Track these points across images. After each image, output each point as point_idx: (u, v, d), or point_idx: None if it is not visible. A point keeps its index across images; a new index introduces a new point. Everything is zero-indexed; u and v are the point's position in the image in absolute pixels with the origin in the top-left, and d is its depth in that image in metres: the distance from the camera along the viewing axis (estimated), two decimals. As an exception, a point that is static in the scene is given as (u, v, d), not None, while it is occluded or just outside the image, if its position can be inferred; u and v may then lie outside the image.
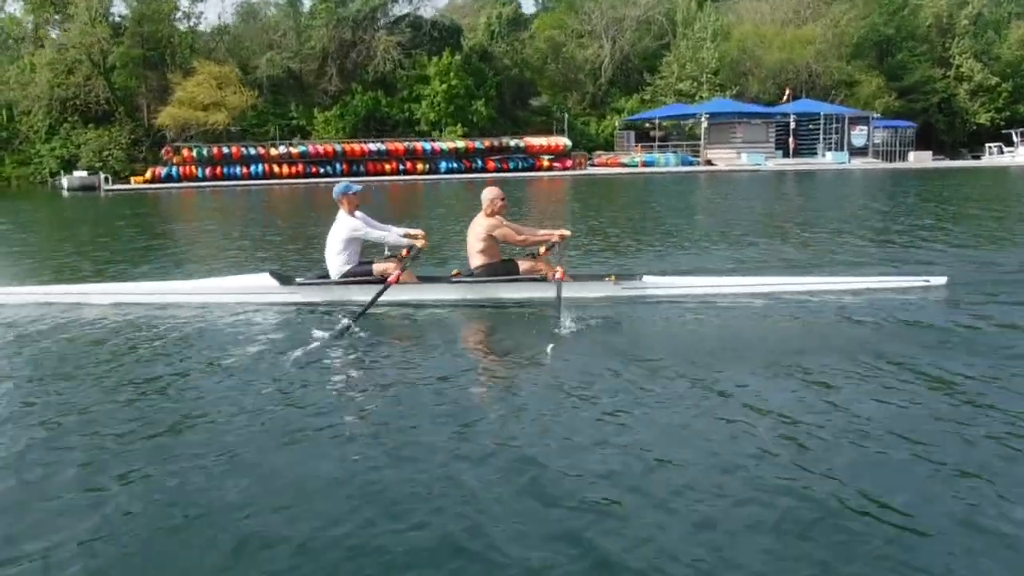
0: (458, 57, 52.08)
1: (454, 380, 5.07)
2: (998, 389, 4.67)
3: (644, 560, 2.92)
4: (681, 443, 3.97)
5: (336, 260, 7.33)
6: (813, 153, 49.90)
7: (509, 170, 43.29)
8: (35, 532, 3.19)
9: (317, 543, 3.04)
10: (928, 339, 5.86)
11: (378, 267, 7.31)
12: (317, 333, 6.16)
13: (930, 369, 5.08)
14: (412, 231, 7.55)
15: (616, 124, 56.36)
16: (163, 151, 40.31)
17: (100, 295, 7.58)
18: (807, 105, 50.16)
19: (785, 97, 49.91)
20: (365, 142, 43.56)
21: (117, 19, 53.01)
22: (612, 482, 3.52)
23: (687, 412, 4.39)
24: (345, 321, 6.32)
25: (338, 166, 41.25)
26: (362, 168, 41.60)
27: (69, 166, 52.36)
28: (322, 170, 40.99)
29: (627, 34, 59.72)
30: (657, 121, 52.59)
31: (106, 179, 39.02)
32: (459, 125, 50.90)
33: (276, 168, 40.74)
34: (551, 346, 5.69)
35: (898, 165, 49.14)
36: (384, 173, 41.72)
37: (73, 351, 5.95)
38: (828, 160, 48.96)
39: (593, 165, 48.52)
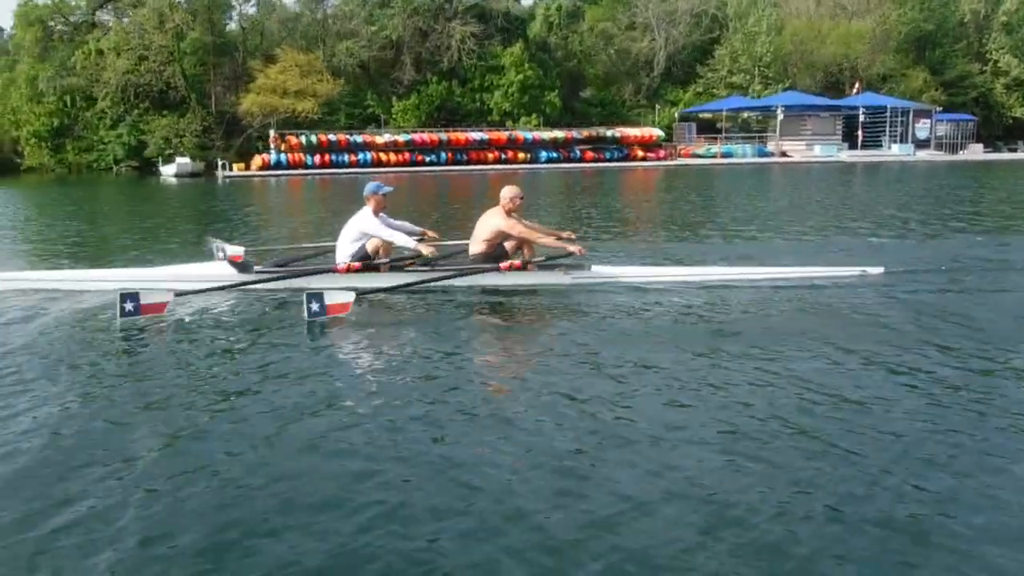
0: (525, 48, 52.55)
1: (437, 361, 5.23)
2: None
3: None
4: (629, 424, 4.11)
5: (347, 249, 7.56)
6: (879, 145, 51.32)
7: (605, 160, 43.87)
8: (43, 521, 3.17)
9: (316, 537, 3.04)
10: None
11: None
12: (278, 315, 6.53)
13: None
14: (430, 234, 7.97)
15: (675, 116, 57.22)
16: (271, 139, 40.00)
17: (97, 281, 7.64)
18: (873, 99, 51.54)
19: (855, 90, 51.24)
20: (467, 130, 43.76)
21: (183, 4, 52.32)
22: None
23: (632, 393, 4.58)
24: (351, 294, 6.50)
25: (442, 155, 41.42)
26: (464, 156, 41.83)
27: (135, 153, 51.77)
28: (427, 158, 41.13)
29: (681, 27, 60.58)
30: (723, 113, 53.56)
31: (223, 165, 38.61)
32: (533, 115, 51.38)
33: (383, 156, 40.70)
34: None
35: (957, 157, 50.87)
36: (486, 162, 42.01)
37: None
38: (895, 152, 50.43)
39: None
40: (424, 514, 3.17)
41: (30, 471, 3.62)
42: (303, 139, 40.19)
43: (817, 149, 49.27)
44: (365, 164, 40.18)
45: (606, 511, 3.20)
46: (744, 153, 48.56)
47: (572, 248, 7.50)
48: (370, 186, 7.65)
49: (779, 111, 49.41)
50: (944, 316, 6.47)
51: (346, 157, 40.20)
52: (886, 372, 4.97)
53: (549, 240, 7.66)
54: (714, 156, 47.88)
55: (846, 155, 49.04)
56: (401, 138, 41.44)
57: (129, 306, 6.11)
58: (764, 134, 54.28)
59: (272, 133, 40.41)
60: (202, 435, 4.02)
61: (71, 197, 27.08)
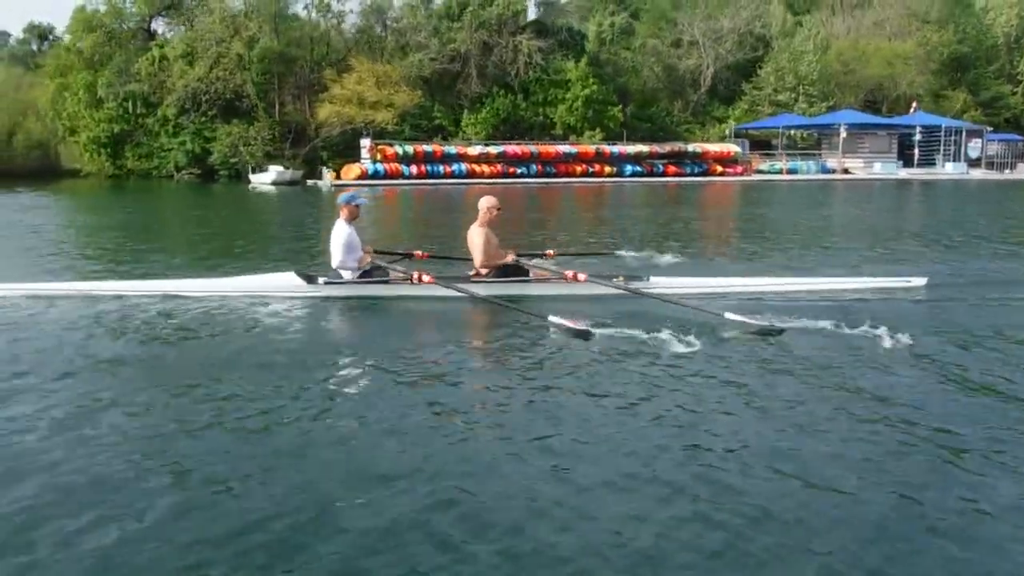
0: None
1: (461, 376, 5.46)
2: None
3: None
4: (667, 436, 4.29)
5: (338, 262, 7.96)
6: (932, 163, 52.70)
7: (685, 174, 44.58)
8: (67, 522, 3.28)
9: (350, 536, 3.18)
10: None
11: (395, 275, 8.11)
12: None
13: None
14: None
15: (727, 132, 58.20)
16: (367, 149, 40.12)
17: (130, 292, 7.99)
18: (928, 118, 52.97)
19: (912, 110, 52.63)
20: (556, 144, 44.24)
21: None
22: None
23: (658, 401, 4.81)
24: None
25: (533, 167, 41.83)
26: (552, 169, 42.29)
27: (198, 160, 51.45)
28: (519, 170, 41.52)
29: (727, 44, 61.69)
30: (780, 130, 54.65)
31: (334, 174, 38.66)
32: (596, 130, 52.01)
33: (476, 168, 41.02)
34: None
35: (1007, 176, 52.40)
36: (574, 175, 42.51)
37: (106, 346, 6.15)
38: (948, 170, 51.82)
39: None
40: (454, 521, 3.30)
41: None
42: (399, 149, 40.29)
43: (877, 167, 50.47)
44: (460, 175, 40.43)
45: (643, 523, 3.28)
46: (808, 169, 49.57)
47: (508, 258, 8.05)
48: (345, 196, 8.07)
49: (842, 129, 50.54)
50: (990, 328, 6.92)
51: (441, 168, 40.38)
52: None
53: (494, 261, 8.02)
54: (779, 172, 48.82)
55: (906, 173, 50.30)
56: (493, 150, 41.75)
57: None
58: (817, 151, 55.49)
59: (368, 143, 40.48)
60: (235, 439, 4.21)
61: (188, 204, 26.97)
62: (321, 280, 7.86)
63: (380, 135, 49.05)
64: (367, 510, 3.37)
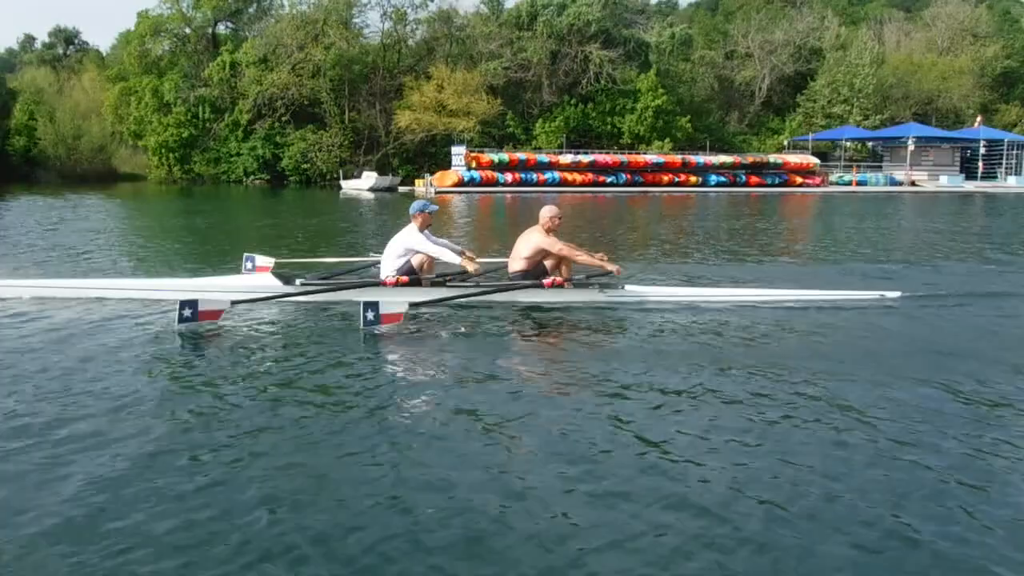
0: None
1: (480, 376, 5.30)
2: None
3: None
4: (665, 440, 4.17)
5: (392, 263, 7.73)
6: (994, 176, 53.37)
7: (766, 185, 44.95)
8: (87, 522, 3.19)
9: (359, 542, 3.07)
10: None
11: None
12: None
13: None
14: (468, 253, 8.05)
15: (784, 144, 58.70)
16: (463, 156, 40.30)
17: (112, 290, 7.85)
18: (991, 132, 53.66)
19: (976, 123, 53.30)
20: (644, 154, 44.57)
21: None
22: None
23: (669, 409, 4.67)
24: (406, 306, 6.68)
25: (622, 176, 42.11)
26: (640, 179, 42.58)
27: (268, 166, 51.46)
28: (608, 179, 41.80)
29: (782, 57, 62.28)
30: (844, 142, 55.19)
31: (435, 180, 38.81)
32: (665, 140, 52.41)
33: (568, 176, 41.27)
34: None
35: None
36: (661, 184, 42.78)
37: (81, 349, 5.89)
38: (1011, 183, 52.49)
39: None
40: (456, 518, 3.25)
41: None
42: (494, 157, 40.51)
43: (944, 179, 51.05)
44: (553, 183, 40.64)
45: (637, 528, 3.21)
46: (876, 181, 50.08)
47: (610, 267, 7.74)
48: (417, 204, 7.89)
49: (911, 142, 51.11)
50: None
51: (534, 176, 40.59)
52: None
53: (588, 259, 7.81)
54: (849, 184, 49.27)
55: (973, 185, 50.91)
56: (584, 158, 42.02)
57: (187, 312, 6.36)
58: (876, 163, 56.08)
59: (464, 150, 40.66)
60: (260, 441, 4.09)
61: (302, 211, 26.72)
62: (298, 281, 7.77)
63: (449, 142, 49.33)
64: (394, 517, 3.23)
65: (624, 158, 43.02)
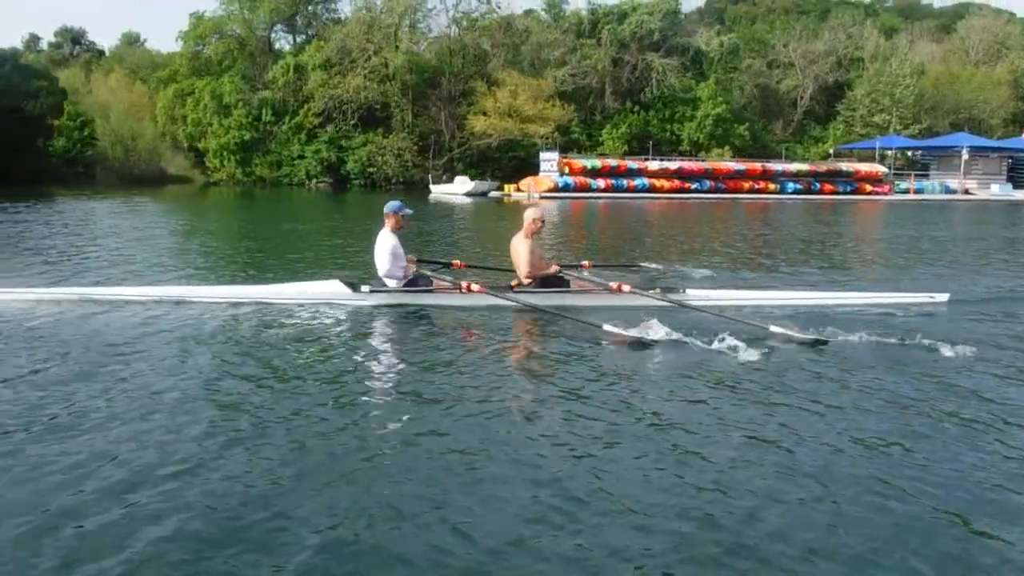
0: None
1: (514, 385, 5.40)
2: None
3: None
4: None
5: (384, 271, 7.85)
6: (1039, 185, 54.84)
7: (838, 193, 45.83)
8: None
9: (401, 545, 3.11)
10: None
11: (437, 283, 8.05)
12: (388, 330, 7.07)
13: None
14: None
15: (830, 152, 59.76)
16: (558, 163, 40.59)
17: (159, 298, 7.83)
18: (1038, 142, 55.17)
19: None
20: (726, 161, 45.25)
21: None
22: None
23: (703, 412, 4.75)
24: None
25: (705, 182, 42.70)
26: (722, 185, 43.20)
27: (330, 170, 51.27)
28: (693, 186, 42.37)
29: (825, 67, 63.45)
30: (891, 151, 56.32)
31: (536, 185, 39.01)
32: (725, 147, 53.19)
33: (656, 183, 41.78)
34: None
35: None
36: (741, 191, 43.43)
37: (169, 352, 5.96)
38: (1057, 193, 54.00)
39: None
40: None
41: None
42: (587, 163, 40.87)
43: (995, 188, 52.35)
44: (643, 189, 41.08)
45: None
46: (932, 189, 51.21)
47: (552, 268, 8.10)
48: (392, 204, 7.95)
49: (964, 152, 52.31)
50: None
51: (624, 182, 41.02)
52: None
53: (542, 271, 8.00)
54: (907, 192, 50.32)
55: (1021, 194, 52.28)
56: (672, 165, 42.55)
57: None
58: (923, 172, 57.29)
59: (557, 156, 40.93)
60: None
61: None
62: (365, 288, 7.77)
63: (511, 147, 49.52)
64: (420, 530, 3.23)
65: (708, 165, 43.63)
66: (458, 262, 8.98)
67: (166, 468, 3.74)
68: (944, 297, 8.60)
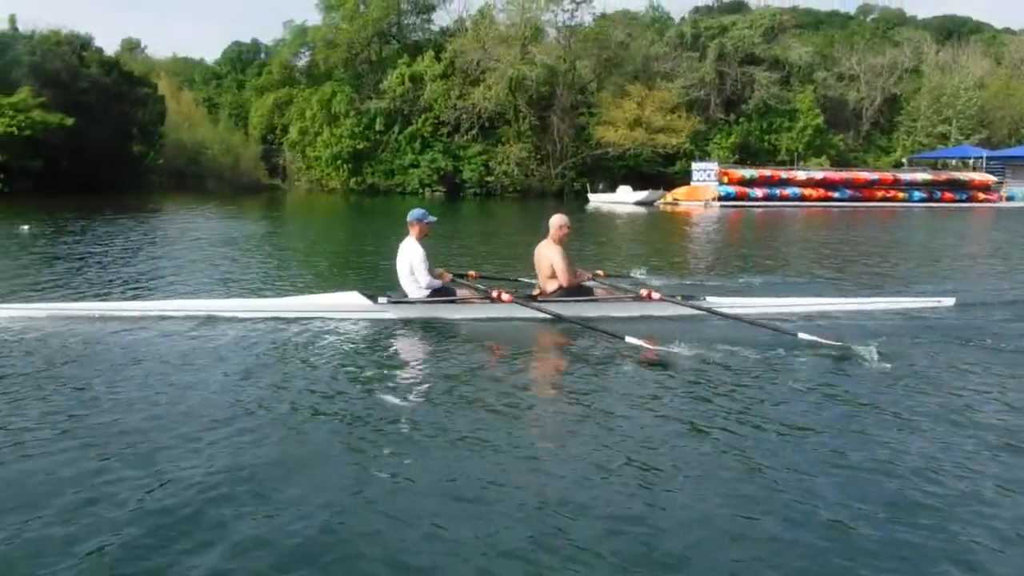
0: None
1: (548, 398, 5.38)
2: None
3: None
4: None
5: (409, 281, 7.64)
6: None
7: (955, 201, 47.78)
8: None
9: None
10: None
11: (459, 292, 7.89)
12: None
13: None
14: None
15: (903, 162, 61.96)
16: (717, 173, 41.57)
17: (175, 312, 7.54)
18: (1107, 152, 58.13)
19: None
20: (861, 171, 46.79)
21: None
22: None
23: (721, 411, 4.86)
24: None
25: (845, 191, 44.20)
26: (859, 194, 44.76)
27: (444, 178, 51.33)
28: (835, 194, 43.82)
29: (891, 80, 65.78)
30: (971, 161, 58.76)
31: (713, 193, 39.86)
32: (822, 157, 54.86)
33: (805, 191, 43.08)
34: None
35: None
36: (875, 199, 45.04)
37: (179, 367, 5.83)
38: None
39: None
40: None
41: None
42: (744, 174, 41.97)
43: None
44: (794, 198, 42.31)
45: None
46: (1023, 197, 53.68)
47: (585, 277, 8.11)
48: (416, 213, 7.75)
49: (1047, 160, 54.93)
50: None
51: (777, 191, 42.23)
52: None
53: (574, 279, 7.89)
54: (1013, 199, 52.67)
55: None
56: (817, 175, 43.91)
57: None
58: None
59: (716, 167, 41.89)
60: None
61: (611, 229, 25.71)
62: (383, 300, 7.56)
63: (621, 156, 50.25)
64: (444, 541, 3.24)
65: (848, 175, 45.09)
66: (473, 273, 8.76)
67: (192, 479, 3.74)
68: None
